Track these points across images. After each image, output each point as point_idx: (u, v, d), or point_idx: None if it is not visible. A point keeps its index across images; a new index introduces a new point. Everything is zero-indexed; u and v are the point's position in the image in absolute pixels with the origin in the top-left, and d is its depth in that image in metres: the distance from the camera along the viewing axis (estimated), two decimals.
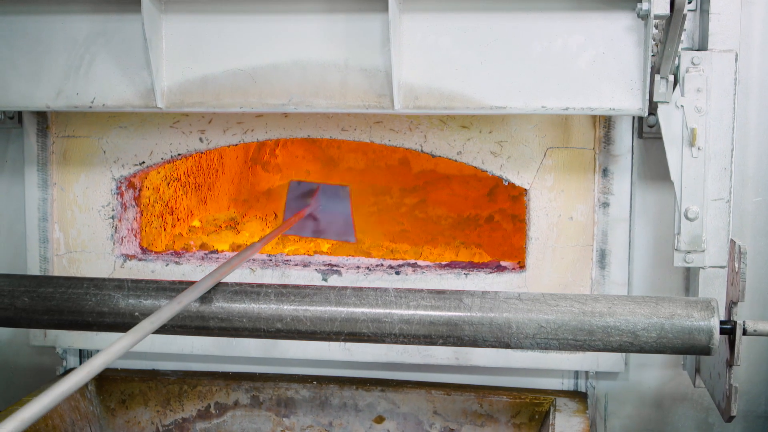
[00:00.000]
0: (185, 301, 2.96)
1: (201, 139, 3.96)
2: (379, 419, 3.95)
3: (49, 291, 3.27)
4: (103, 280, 3.32)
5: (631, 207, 3.76)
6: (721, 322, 2.96)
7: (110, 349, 2.44)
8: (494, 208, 5.43)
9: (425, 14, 3.28)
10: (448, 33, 3.29)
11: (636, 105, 3.24)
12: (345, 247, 4.71)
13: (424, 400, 3.92)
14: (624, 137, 3.71)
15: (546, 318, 3.01)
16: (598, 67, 3.23)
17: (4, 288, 3.31)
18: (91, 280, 3.31)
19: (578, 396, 3.86)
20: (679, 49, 3.29)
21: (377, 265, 3.98)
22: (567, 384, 3.95)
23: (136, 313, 3.18)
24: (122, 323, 3.22)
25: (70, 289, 3.26)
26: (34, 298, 3.27)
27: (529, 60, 3.26)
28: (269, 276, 3.92)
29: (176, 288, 3.22)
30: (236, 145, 3.99)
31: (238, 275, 3.92)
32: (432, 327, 3.07)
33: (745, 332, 2.95)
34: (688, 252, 3.46)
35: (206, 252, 4.22)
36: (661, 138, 3.42)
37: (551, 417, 3.67)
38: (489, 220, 5.32)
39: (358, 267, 3.97)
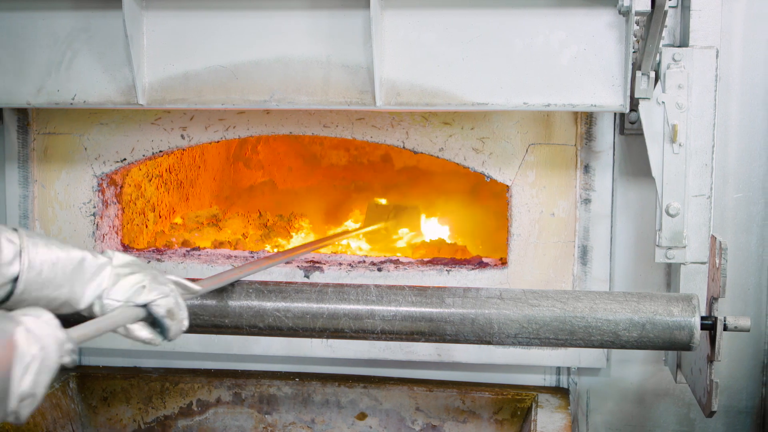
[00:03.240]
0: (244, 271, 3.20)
1: (182, 136, 3.95)
2: (362, 416, 3.95)
3: None
4: None
5: (612, 203, 3.76)
6: (702, 318, 2.97)
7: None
8: (476, 205, 5.43)
9: (407, 10, 3.28)
10: (430, 29, 3.28)
11: (617, 101, 3.24)
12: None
13: (407, 396, 3.92)
14: (605, 133, 3.72)
15: (527, 319, 3.01)
16: (579, 64, 3.24)
17: None
18: None
19: (560, 392, 3.87)
20: (660, 46, 3.29)
21: (359, 262, 3.98)
22: (549, 380, 3.96)
23: None
24: None
25: None
26: None
27: (511, 56, 3.27)
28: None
29: None
30: (218, 141, 3.98)
31: (220, 272, 3.90)
32: (413, 326, 3.07)
33: (725, 328, 2.96)
34: (670, 248, 3.47)
35: (188, 249, 4.21)
36: (642, 134, 3.43)
37: (533, 413, 3.68)
38: (471, 216, 5.32)
39: (340, 264, 3.96)
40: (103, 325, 2.39)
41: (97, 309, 2.50)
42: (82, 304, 2.49)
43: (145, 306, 2.51)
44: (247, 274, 3.18)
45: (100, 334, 2.37)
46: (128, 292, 2.51)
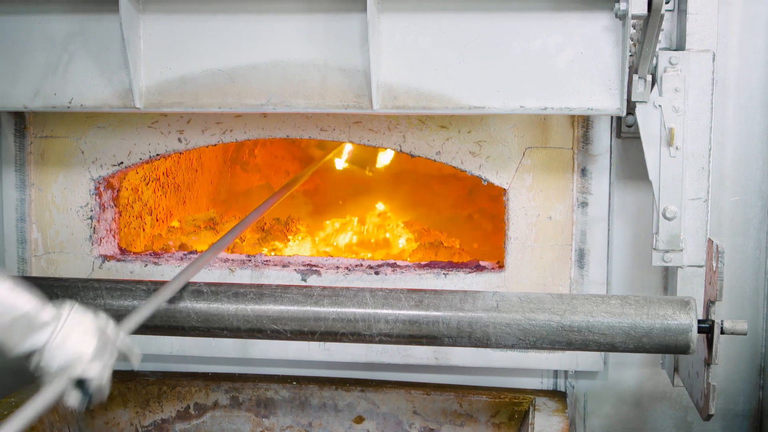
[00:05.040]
0: (162, 298, 3.05)
1: (180, 140, 3.95)
2: (359, 419, 3.95)
3: None
4: (77, 287, 3.27)
5: (609, 206, 3.76)
6: (699, 322, 2.97)
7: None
8: (474, 208, 5.43)
9: (404, 14, 3.28)
10: (426, 33, 3.28)
11: (614, 105, 3.25)
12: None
13: (404, 399, 3.92)
14: (602, 137, 3.72)
15: (524, 332, 3.01)
16: (576, 67, 3.24)
17: None
18: (65, 288, 3.25)
19: (557, 395, 3.87)
20: (657, 49, 3.29)
21: (356, 265, 3.98)
22: (546, 383, 3.96)
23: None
24: None
25: None
26: None
27: (508, 60, 3.27)
28: (248, 276, 3.91)
29: (150, 289, 3.21)
30: (215, 145, 3.98)
31: (217, 275, 3.91)
32: (410, 339, 3.08)
33: (722, 331, 2.96)
34: (667, 251, 3.47)
35: (185, 252, 4.21)
36: (639, 138, 3.43)
37: (531, 416, 3.68)
38: (468, 219, 5.32)
39: (338, 267, 3.96)
40: (35, 406, 2.41)
41: (36, 359, 2.52)
42: (15, 353, 2.51)
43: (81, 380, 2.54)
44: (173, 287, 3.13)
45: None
46: (68, 358, 2.51)
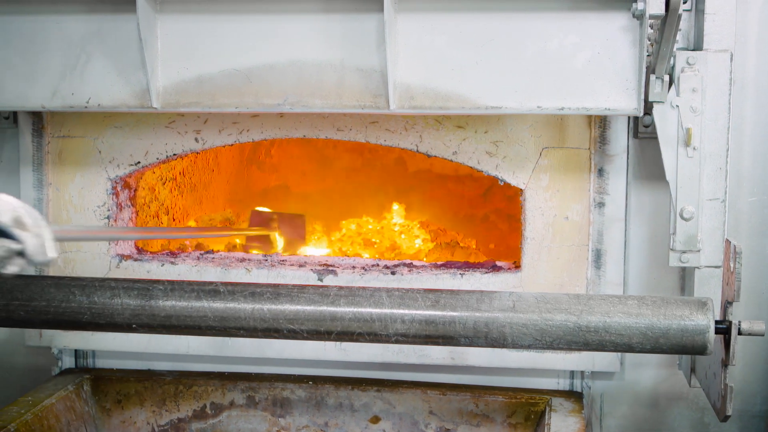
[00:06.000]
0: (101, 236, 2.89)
1: (196, 139, 3.95)
2: (375, 419, 3.95)
3: (42, 305, 3.23)
4: (94, 287, 3.27)
5: (626, 207, 3.76)
6: (717, 322, 2.96)
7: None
8: (490, 208, 5.43)
9: (421, 14, 3.28)
10: (443, 33, 3.29)
11: (631, 105, 3.24)
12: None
13: (420, 400, 3.91)
14: (619, 137, 3.71)
15: (541, 333, 3.00)
16: (593, 67, 3.23)
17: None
18: (82, 288, 3.26)
19: (574, 396, 3.86)
20: (675, 49, 3.29)
21: (373, 265, 3.98)
22: (563, 384, 3.95)
23: (134, 325, 3.15)
24: (119, 324, 3.22)
25: (63, 303, 3.22)
26: (28, 311, 3.25)
27: (525, 60, 3.26)
28: (264, 276, 3.92)
29: (167, 288, 3.21)
30: (232, 145, 3.98)
31: (234, 275, 3.91)
32: (426, 339, 3.08)
33: (740, 332, 2.95)
34: (684, 252, 3.46)
35: (202, 252, 4.21)
36: (656, 138, 3.42)
37: (547, 417, 3.67)
38: (485, 219, 5.32)
39: (354, 267, 3.96)
40: None
41: None
42: None
43: None
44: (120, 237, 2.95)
45: None
46: None
